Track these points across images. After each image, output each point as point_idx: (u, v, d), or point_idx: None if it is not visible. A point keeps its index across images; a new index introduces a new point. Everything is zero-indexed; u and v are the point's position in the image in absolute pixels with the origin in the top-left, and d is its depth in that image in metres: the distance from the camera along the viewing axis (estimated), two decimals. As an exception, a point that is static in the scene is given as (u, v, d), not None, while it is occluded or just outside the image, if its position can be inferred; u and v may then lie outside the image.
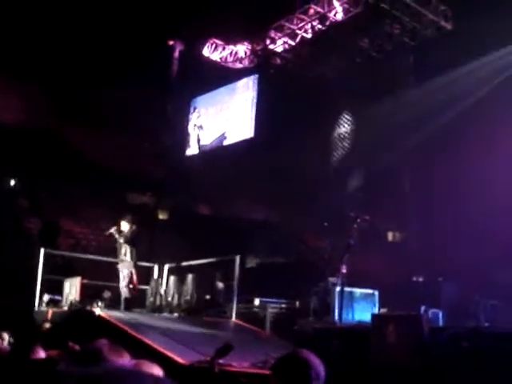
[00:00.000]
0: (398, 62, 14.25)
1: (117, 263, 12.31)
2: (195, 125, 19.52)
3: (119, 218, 12.69)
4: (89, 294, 11.92)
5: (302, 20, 15.44)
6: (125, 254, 12.20)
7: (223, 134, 18.53)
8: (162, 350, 8.52)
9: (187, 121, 19.64)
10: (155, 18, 17.00)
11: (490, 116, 11.94)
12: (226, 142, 18.33)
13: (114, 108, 18.66)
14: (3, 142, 17.23)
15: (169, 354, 8.32)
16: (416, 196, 13.45)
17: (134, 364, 3.16)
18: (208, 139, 19.08)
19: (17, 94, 18.62)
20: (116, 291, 12.32)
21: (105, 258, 13.01)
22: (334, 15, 14.89)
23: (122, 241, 12.22)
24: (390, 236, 15.38)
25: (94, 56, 17.61)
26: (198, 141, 19.32)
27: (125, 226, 12.31)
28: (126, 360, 3.04)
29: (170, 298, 12.67)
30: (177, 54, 18.49)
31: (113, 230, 12.33)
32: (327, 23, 14.92)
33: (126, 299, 12.06)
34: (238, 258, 12.00)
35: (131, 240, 12.29)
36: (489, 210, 11.39)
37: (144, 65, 17.19)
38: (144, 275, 13.22)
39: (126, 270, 12.15)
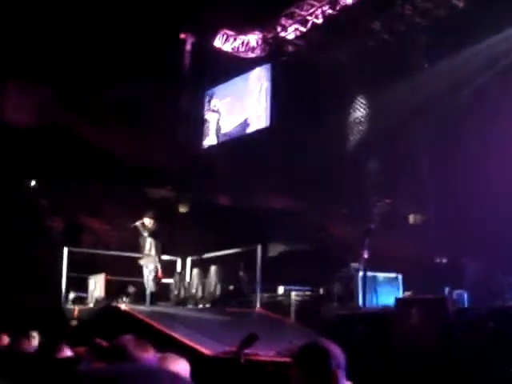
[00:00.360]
0: (411, 43, 14.11)
1: (140, 258, 12.39)
2: (211, 117, 19.52)
3: (140, 213, 12.78)
4: (113, 290, 12.04)
5: (313, 6, 15.35)
6: (150, 249, 12.29)
7: (239, 125, 18.52)
8: (187, 342, 8.59)
9: (203, 113, 19.64)
10: (165, 12, 17.00)
11: (508, 93, 11.79)
12: (242, 132, 18.31)
13: (128, 104, 18.74)
14: (21, 143, 17.40)
15: (195, 345, 8.39)
16: (436, 177, 13.34)
17: (158, 359, 3.18)
18: (224, 130, 19.09)
19: (31, 95, 18.77)
20: (140, 286, 12.42)
21: (128, 254, 13.12)
22: (345, -1, 14.79)
23: (146, 235, 12.30)
24: (411, 219, 15.27)
25: (105, 53, 17.67)
26: (215, 132, 19.33)
27: (148, 221, 12.40)
28: (150, 355, 3.05)
29: (193, 291, 12.76)
30: (189, 46, 18.48)
31: (138, 223, 12.41)
32: (338, 7, 14.81)
33: (151, 293, 12.16)
34: (259, 248, 12.03)
35: (155, 234, 12.38)
36: None
37: (156, 59, 17.22)
38: (167, 269, 13.31)
39: (151, 265, 12.24)
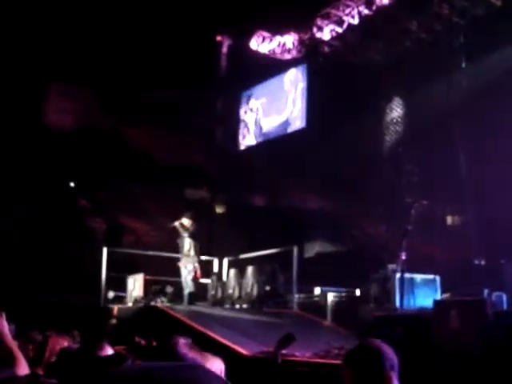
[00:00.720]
0: (449, 42, 13.96)
1: (179, 259, 12.52)
2: (247, 117, 19.61)
3: (179, 213, 12.93)
4: (152, 290, 12.19)
5: (348, 6, 15.31)
6: (189, 249, 12.41)
7: (275, 125, 18.56)
8: (225, 342, 8.67)
9: (239, 113, 19.75)
10: (202, 15, 17.15)
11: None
12: (278, 133, 18.35)
13: (166, 106, 18.96)
14: (62, 145, 17.75)
15: (232, 345, 8.46)
16: (473, 177, 13.19)
17: (196, 357, 3.24)
18: (260, 131, 19.15)
19: (72, 98, 19.13)
20: (178, 286, 12.56)
21: (167, 254, 13.28)
22: (381, -1, 14.72)
23: (185, 235, 12.43)
24: (449, 220, 15.12)
25: (144, 56, 17.90)
26: (252, 132, 19.41)
27: (186, 221, 12.53)
28: (197, 357, 3.07)
29: (230, 291, 12.84)
30: (225, 49, 18.61)
31: (176, 223, 12.54)
32: (374, 7, 14.74)
33: (190, 293, 12.28)
34: (295, 249, 12.06)
35: (194, 235, 12.51)
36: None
37: (194, 62, 17.38)
38: (204, 269, 13.43)
39: (190, 265, 12.37)
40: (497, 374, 5.65)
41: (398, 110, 15.45)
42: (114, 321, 11.44)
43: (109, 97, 19.07)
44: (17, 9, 16.71)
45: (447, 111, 13.83)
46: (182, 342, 2.87)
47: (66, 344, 5.23)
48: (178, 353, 2.78)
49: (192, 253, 12.38)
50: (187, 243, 12.42)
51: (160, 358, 2.81)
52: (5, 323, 3.38)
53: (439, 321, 6.65)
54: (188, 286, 12.29)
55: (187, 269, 12.33)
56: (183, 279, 12.40)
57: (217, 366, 3.37)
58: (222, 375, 3.32)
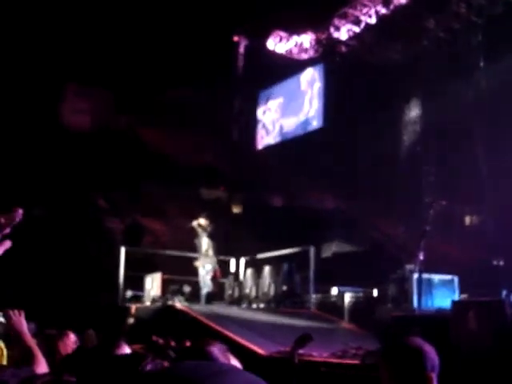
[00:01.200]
0: (467, 41, 13.87)
1: (196, 259, 12.57)
2: (264, 117, 19.63)
3: (195, 213, 12.98)
4: (169, 289, 12.25)
5: (366, 5, 15.27)
6: (207, 249, 12.45)
7: (292, 125, 18.56)
8: (242, 341, 8.69)
9: (256, 113, 19.77)
10: (219, 15, 17.19)
11: None
12: (295, 133, 18.34)
13: (182, 106, 19.02)
14: (79, 145, 17.88)
15: (249, 345, 8.48)
16: (492, 178, 13.09)
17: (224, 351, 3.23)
18: (277, 130, 19.15)
19: (88, 98, 19.26)
20: (195, 285, 12.61)
21: (184, 254, 13.33)
22: (398, -2, 14.67)
23: (204, 235, 12.47)
24: (467, 220, 15.02)
25: (160, 57, 17.98)
26: (269, 132, 19.43)
27: (204, 221, 12.58)
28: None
29: (247, 291, 12.87)
30: (242, 49, 18.64)
31: (194, 223, 12.59)
32: (391, 7, 14.69)
33: (208, 293, 12.32)
34: (312, 249, 12.06)
35: (212, 235, 12.56)
36: None
37: (210, 62, 17.43)
38: (221, 269, 13.47)
39: (209, 265, 12.41)
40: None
41: (416, 109, 15.37)
42: (131, 320, 11.51)
43: (125, 97, 19.18)
44: (33, 10, 16.86)
45: (465, 111, 13.73)
46: (218, 348, 2.82)
47: (73, 340, 5.25)
48: (212, 355, 2.73)
49: (210, 253, 12.42)
50: (205, 243, 12.46)
51: (193, 358, 2.76)
52: (24, 322, 3.42)
53: (457, 321, 6.62)
54: (206, 285, 12.33)
55: (205, 269, 12.37)
56: (201, 279, 12.45)
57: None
58: None
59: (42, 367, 3.19)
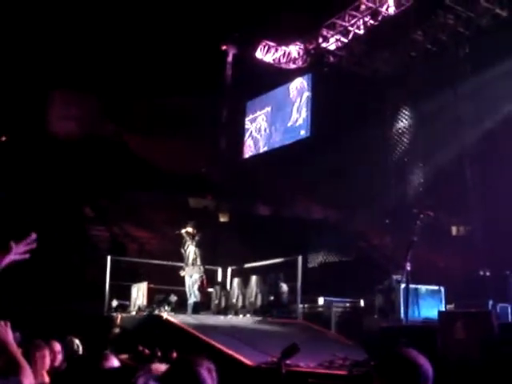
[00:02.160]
0: (454, 53, 13.96)
1: (182, 268, 12.48)
2: (252, 127, 19.64)
3: (182, 222, 12.90)
4: (155, 299, 12.15)
5: (354, 16, 15.35)
6: (195, 259, 12.36)
7: (280, 135, 18.57)
8: (229, 351, 8.61)
9: (244, 123, 19.78)
10: (207, 24, 17.21)
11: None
12: (283, 142, 18.36)
13: (170, 115, 19.00)
14: (65, 153, 17.78)
15: (236, 355, 8.41)
16: (479, 189, 13.16)
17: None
18: (265, 140, 19.16)
19: (76, 106, 19.19)
20: (182, 295, 12.51)
21: (171, 263, 13.25)
22: (386, 9, 14.76)
23: (190, 244, 12.39)
24: (454, 230, 15.08)
25: (149, 65, 17.96)
26: (256, 142, 19.43)
27: (191, 230, 12.49)
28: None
29: (234, 300, 12.80)
30: (230, 58, 18.66)
31: (183, 231, 12.49)
32: (379, 18, 14.78)
33: (195, 303, 12.23)
34: (300, 259, 12.02)
35: (199, 244, 12.47)
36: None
37: (199, 71, 17.44)
38: (208, 278, 13.40)
39: (196, 275, 12.31)
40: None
41: (404, 120, 15.44)
42: (117, 330, 11.41)
43: (112, 104, 19.13)
44: (19, 16, 16.78)
45: (454, 121, 13.81)
46: (205, 368, 2.75)
47: (58, 349, 5.20)
48: (200, 378, 2.67)
49: (198, 262, 12.34)
50: (192, 252, 12.37)
51: (180, 380, 2.69)
52: (10, 332, 3.36)
53: (445, 332, 6.61)
54: (193, 295, 12.24)
55: (192, 278, 12.28)
56: (188, 288, 12.36)
57: None
58: None
59: (29, 378, 3.14)
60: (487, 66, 13.08)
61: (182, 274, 12.42)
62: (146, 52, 17.87)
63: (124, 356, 7.43)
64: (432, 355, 2.72)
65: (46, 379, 4.30)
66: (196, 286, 12.25)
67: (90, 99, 19.19)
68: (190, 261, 12.35)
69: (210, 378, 2.70)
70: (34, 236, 2.31)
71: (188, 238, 12.41)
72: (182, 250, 12.51)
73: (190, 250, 12.39)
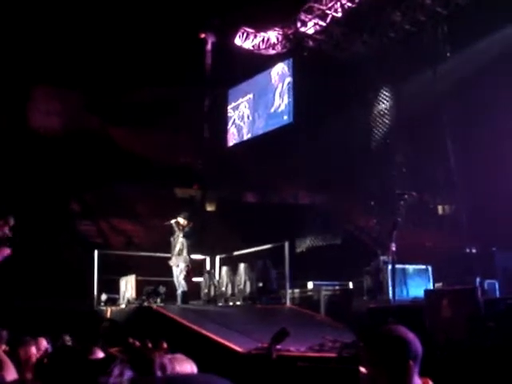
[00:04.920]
0: (433, 32, 13.97)
1: (169, 258, 12.49)
2: (234, 114, 19.59)
3: (169, 213, 12.88)
4: (144, 291, 12.15)
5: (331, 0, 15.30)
6: (181, 249, 12.37)
7: (263, 121, 18.54)
8: (219, 339, 8.65)
9: (226, 111, 19.72)
10: (184, 13, 17.10)
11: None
12: (266, 129, 18.32)
13: (153, 105, 18.90)
14: (50, 148, 17.65)
15: (226, 343, 8.44)
16: (463, 166, 13.23)
17: (168, 360, 3.25)
18: (248, 127, 19.13)
19: (57, 100, 19.03)
20: (171, 286, 12.52)
21: (158, 254, 13.24)
22: (364, -9, 14.72)
23: (181, 235, 12.38)
24: (440, 209, 15.18)
25: (129, 56, 17.84)
26: (240, 129, 19.40)
27: (182, 220, 12.49)
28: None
29: (223, 289, 12.84)
30: (209, 46, 18.56)
31: (172, 221, 12.47)
32: (357, 0, 14.74)
33: (183, 292, 12.25)
34: (287, 244, 12.06)
35: (188, 234, 12.49)
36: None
37: (178, 60, 17.33)
38: (196, 268, 13.41)
39: (182, 264, 12.32)
40: (488, 362, 5.66)
41: (385, 101, 15.47)
42: (107, 323, 11.40)
43: (95, 97, 19.00)
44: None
45: (434, 101, 13.85)
46: (159, 361, 2.83)
47: (45, 346, 5.20)
48: (158, 364, 2.74)
49: (184, 252, 12.35)
50: (180, 243, 12.38)
51: (139, 366, 2.77)
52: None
53: (431, 310, 6.67)
54: (181, 285, 12.26)
55: (179, 267, 12.30)
56: (175, 278, 12.38)
57: (188, 368, 3.39)
58: None
59: (11, 374, 3.14)
60: (465, 44, 13.12)
61: (170, 263, 12.45)
62: (125, 44, 17.73)
63: (114, 349, 7.43)
64: (419, 334, 2.75)
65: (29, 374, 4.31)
66: (182, 276, 12.27)
67: (72, 94, 19.04)
68: (177, 251, 12.36)
69: (170, 364, 2.78)
70: (11, 221, 2.27)
71: (177, 229, 12.41)
72: (171, 240, 12.52)
73: (178, 240, 12.40)
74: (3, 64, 16.87)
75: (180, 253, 12.33)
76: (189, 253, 12.42)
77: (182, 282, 12.26)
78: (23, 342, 5.05)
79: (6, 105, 17.59)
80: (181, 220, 12.46)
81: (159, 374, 2.74)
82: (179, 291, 12.25)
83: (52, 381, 2.92)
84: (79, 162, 17.71)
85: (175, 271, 12.37)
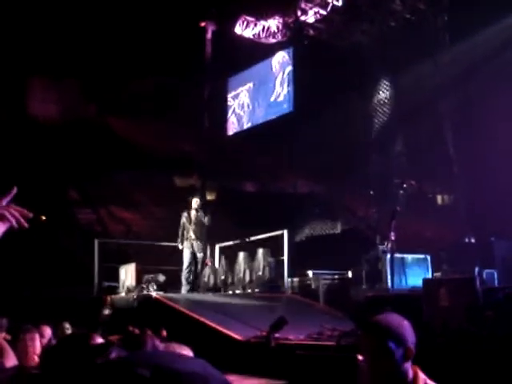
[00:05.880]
0: (433, 21, 13.93)
1: (172, 247, 12.52)
2: (235, 103, 19.55)
3: (170, 202, 12.90)
4: (144, 279, 12.19)
5: (332, -12, 15.24)
6: (201, 234, 12.38)
7: (263, 110, 18.51)
8: (218, 327, 8.70)
9: (226, 100, 19.67)
10: (185, 1, 17.03)
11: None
12: (266, 118, 18.29)
13: (152, 94, 18.86)
14: (48, 136, 17.64)
15: (225, 331, 8.49)
16: (462, 156, 13.23)
17: (163, 348, 3.31)
18: (248, 116, 19.10)
19: (56, 88, 18.99)
20: (171, 274, 12.55)
21: (159, 243, 13.27)
22: (364, -20, 14.66)
23: (206, 220, 12.40)
24: (439, 199, 15.20)
25: (128, 45, 17.78)
26: (240, 118, 19.36)
27: (195, 207, 12.45)
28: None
29: (223, 277, 12.88)
30: (209, 35, 18.49)
31: (195, 204, 12.43)
32: (358, -11, 14.69)
33: (196, 281, 12.32)
34: (286, 233, 12.09)
35: (202, 221, 12.51)
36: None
37: (178, 49, 17.28)
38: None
39: (201, 254, 12.40)
40: (486, 351, 5.70)
41: (385, 90, 15.45)
42: (107, 311, 11.45)
43: (94, 86, 18.95)
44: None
45: (434, 90, 13.84)
46: (150, 341, 2.92)
47: (49, 334, 5.24)
48: (150, 345, 2.82)
49: (204, 238, 12.41)
50: (200, 227, 12.40)
51: (132, 348, 2.86)
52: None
53: (429, 299, 6.69)
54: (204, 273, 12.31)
55: (199, 254, 12.37)
56: (189, 265, 12.39)
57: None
58: None
59: (11, 360, 3.17)
60: (466, 33, 13.08)
61: (196, 249, 12.38)
62: (125, 32, 17.66)
63: (114, 337, 7.48)
64: (417, 322, 2.77)
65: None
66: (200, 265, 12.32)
67: (70, 82, 19.00)
68: (198, 236, 12.35)
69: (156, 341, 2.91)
70: (14, 190, 2.27)
71: (200, 214, 12.41)
72: (187, 223, 12.44)
73: (196, 226, 12.38)
74: (1, 52, 16.83)
75: (201, 238, 12.34)
76: (201, 239, 12.45)
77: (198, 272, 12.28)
78: (25, 329, 5.08)
79: (5, 94, 17.55)
80: (196, 203, 12.48)
81: None
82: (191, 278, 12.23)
83: (56, 369, 2.95)
84: (78, 150, 17.71)
85: (188, 258, 12.34)
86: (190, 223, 12.48)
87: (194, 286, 12.62)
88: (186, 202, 12.59)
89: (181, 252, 12.67)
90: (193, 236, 12.42)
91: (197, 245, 12.44)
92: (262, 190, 18.90)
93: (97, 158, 17.64)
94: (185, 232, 12.50)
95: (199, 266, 12.77)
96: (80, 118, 18.65)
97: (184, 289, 12.36)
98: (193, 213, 12.53)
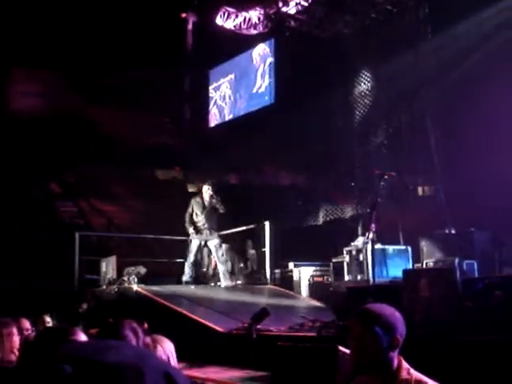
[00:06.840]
0: (414, 13, 13.95)
1: (162, 240, 12.32)
2: (216, 95, 19.48)
3: (150, 194, 12.81)
4: (125, 271, 12.14)
5: (314, -21, 15.19)
6: (213, 224, 11.86)
7: (244, 102, 18.47)
8: (199, 319, 8.70)
9: (208, 92, 19.60)
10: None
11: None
12: (247, 110, 18.26)
13: (133, 86, 18.74)
14: (28, 129, 17.47)
15: (206, 322, 8.49)
16: (443, 147, 13.30)
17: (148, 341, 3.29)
18: (230, 108, 19.05)
19: (37, 81, 18.81)
20: (150, 267, 12.49)
21: (140, 235, 13.21)
22: (346, -29, 14.63)
23: (219, 207, 11.92)
24: (420, 190, 15.27)
25: (109, 37, 17.64)
26: (220, 111, 19.31)
27: (207, 194, 11.92)
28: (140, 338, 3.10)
29: (205, 269, 12.86)
30: (190, 26, 18.39)
31: (209, 191, 11.86)
32: (339, -20, 14.65)
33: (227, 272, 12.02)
34: (267, 225, 12.09)
35: (215, 209, 12.01)
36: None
37: (159, 40, 17.18)
38: (179, 248, 13.40)
39: (217, 240, 11.99)
40: (465, 341, 5.74)
41: (366, 82, 15.47)
42: (88, 304, 11.39)
43: (74, 78, 18.79)
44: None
45: (416, 82, 13.88)
46: (128, 325, 2.92)
47: (27, 326, 5.19)
48: (121, 334, 2.83)
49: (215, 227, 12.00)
50: (214, 216, 11.93)
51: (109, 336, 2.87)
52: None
53: (409, 290, 6.73)
54: (222, 262, 11.84)
55: (214, 243, 11.92)
56: (215, 257, 12.01)
57: (167, 347, 3.50)
58: (173, 356, 3.45)
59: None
60: (447, 24, 13.12)
61: (199, 238, 12.03)
62: (106, 24, 17.52)
63: (95, 330, 7.44)
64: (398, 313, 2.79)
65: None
66: (221, 252, 11.84)
67: (51, 74, 18.82)
68: (207, 226, 11.85)
69: (134, 337, 2.85)
70: None
71: (215, 201, 11.87)
72: (198, 211, 12.05)
73: (211, 214, 11.92)
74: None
75: (212, 228, 11.93)
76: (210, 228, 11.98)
77: (222, 259, 11.85)
78: (2, 323, 5.02)
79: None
80: (209, 190, 12.08)
81: (131, 337, 2.83)
82: (223, 269, 11.90)
83: (32, 363, 2.92)
84: (59, 142, 17.56)
85: (194, 248, 11.97)
86: (202, 211, 11.87)
87: (200, 277, 12.35)
88: (192, 193, 12.05)
89: (162, 245, 12.59)
90: (205, 224, 11.84)
91: (208, 233, 11.86)
92: (244, 182, 18.88)
93: (78, 150, 17.51)
94: (194, 219, 11.86)
95: (206, 259, 12.52)
96: (61, 110, 18.50)
97: (186, 277, 11.98)
98: (206, 199, 11.92)
